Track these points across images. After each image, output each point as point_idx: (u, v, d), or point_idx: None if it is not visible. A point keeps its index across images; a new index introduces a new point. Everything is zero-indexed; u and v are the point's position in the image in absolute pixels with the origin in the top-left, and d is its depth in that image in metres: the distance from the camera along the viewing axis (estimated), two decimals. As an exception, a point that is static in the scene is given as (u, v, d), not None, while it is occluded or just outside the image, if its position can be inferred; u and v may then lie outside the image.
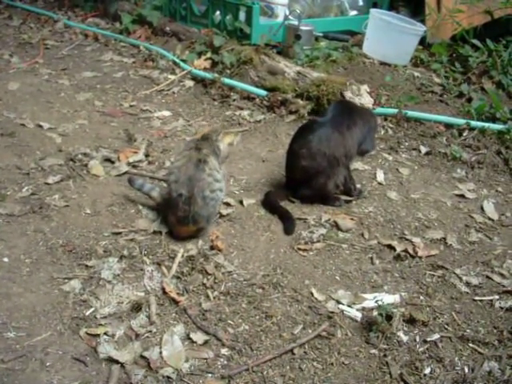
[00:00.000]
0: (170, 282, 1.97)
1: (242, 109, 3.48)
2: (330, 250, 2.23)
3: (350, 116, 2.55)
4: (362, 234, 2.33)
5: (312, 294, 1.97)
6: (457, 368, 1.71)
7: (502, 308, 1.96)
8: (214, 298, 1.92)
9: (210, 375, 1.63)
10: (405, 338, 1.80)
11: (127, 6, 5.13)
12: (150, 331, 1.76)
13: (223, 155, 2.34)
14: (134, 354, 1.67)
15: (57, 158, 2.74)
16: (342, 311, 1.90)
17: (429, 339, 1.80)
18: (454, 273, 2.13)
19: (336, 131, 2.45)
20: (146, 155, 2.84)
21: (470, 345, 1.79)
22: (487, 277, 2.12)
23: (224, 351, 1.72)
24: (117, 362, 1.64)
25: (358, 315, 1.88)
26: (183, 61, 4.05)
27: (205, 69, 3.91)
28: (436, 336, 1.82)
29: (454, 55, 4.01)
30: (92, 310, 1.83)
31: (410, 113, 3.28)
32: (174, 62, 4.08)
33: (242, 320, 1.84)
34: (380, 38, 3.94)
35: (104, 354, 1.67)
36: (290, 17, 4.15)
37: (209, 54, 4.00)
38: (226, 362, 1.68)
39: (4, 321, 1.76)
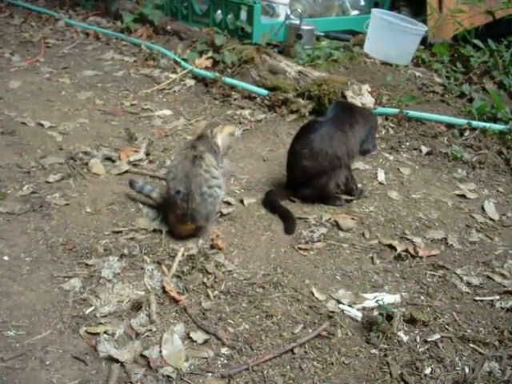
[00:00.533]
0: (170, 280, 1.96)
1: (243, 108, 3.48)
2: (330, 249, 2.22)
3: (352, 115, 2.55)
4: (363, 234, 2.32)
5: (312, 293, 1.97)
6: (457, 368, 1.70)
7: (502, 308, 1.96)
8: (215, 297, 1.92)
9: (209, 374, 1.63)
10: (405, 338, 1.80)
11: (128, 4, 5.14)
12: (150, 330, 1.76)
13: (224, 146, 2.33)
14: (134, 352, 1.67)
15: (57, 157, 2.74)
16: (343, 311, 1.90)
17: (429, 339, 1.80)
18: (455, 273, 2.12)
19: (338, 130, 2.44)
20: (147, 154, 2.84)
21: (471, 345, 1.79)
22: (488, 277, 2.11)
23: (224, 350, 1.71)
24: (117, 360, 1.64)
25: (359, 315, 1.88)
26: (184, 60, 4.05)
27: (206, 68, 3.91)
28: (436, 336, 1.81)
29: (456, 55, 4.01)
30: (92, 308, 1.83)
31: (411, 113, 3.28)
32: (175, 61, 4.08)
33: (243, 319, 1.84)
34: (381, 38, 3.93)
35: (104, 352, 1.66)
36: (291, 16, 4.14)
37: (210, 53, 3.99)
38: (226, 362, 1.68)
39: (4, 319, 1.76)
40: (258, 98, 3.54)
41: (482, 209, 2.58)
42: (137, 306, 1.84)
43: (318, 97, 3.33)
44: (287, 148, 2.58)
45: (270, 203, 2.47)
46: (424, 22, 4.17)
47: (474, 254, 2.26)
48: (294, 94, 3.44)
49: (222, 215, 2.36)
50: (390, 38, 3.87)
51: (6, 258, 2.04)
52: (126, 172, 2.66)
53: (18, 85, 3.66)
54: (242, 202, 2.48)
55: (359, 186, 2.63)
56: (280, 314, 1.86)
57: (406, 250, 2.22)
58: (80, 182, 2.55)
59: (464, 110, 3.42)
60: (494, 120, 3.24)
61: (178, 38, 4.55)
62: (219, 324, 1.81)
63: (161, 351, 1.68)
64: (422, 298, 1.99)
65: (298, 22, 4.01)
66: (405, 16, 4.23)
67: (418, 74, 3.81)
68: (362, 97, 3.33)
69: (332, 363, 1.70)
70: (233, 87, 3.65)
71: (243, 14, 4.19)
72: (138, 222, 2.29)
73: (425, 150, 3.07)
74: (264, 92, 3.52)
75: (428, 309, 1.93)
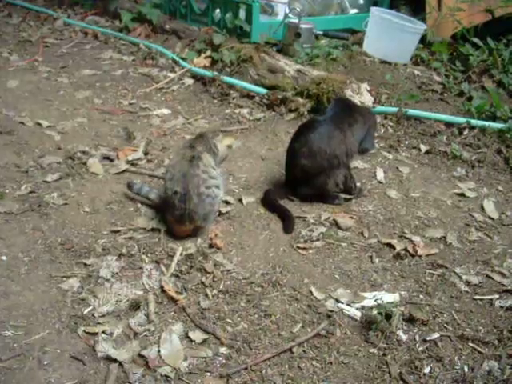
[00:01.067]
0: (168, 280, 1.96)
1: (241, 107, 3.47)
2: (329, 248, 2.22)
3: (351, 114, 2.55)
4: (362, 233, 2.32)
5: (311, 292, 1.96)
6: (456, 367, 1.70)
7: (501, 307, 1.95)
8: (213, 296, 1.92)
9: (208, 374, 1.63)
10: (404, 337, 1.79)
11: (127, 3, 5.13)
12: (149, 330, 1.76)
13: (221, 156, 2.33)
14: (133, 352, 1.67)
15: (56, 156, 2.73)
16: (342, 310, 1.89)
17: (428, 338, 1.79)
18: (454, 272, 2.12)
19: (337, 129, 2.44)
20: (145, 153, 2.83)
21: (470, 344, 1.78)
22: (487, 276, 2.11)
23: (223, 350, 1.71)
24: (115, 360, 1.63)
25: (358, 314, 1.88)
26: (183, 59, 4.05)
27: (204, 67, 3.90)
28: (436, 335, 1.81)
29: (455, 54, 4.00)
30: (90, 308, 1.83)
31: (411, 111, 3.27)
32: (174, 60, 4.07)
33: (241, 319, 1.83)
34: (380, 37, 3.93)
35: (102, 352, 1.66)
36: (290, 15, 4.14)
37: (208, 52, 3.99)
38: (224, 361, 1.67)
39: (2, 319, 1.75)
40: (257, 97, 3.53)
41: (482, 207, 2.57)
42: (135, 306, 1.83)
43: (317, 95, 3.33)
44: (286, 147, 2.58)
45: (268, 202, 2.46)
46: (423, 20, 4.16)
47: (474, 252, 2.25)
48: (292, 92, 3.44)
49: (221, 214, 2.35)
50: (389, 37, 3.87)
51: (4, 257, 2.03)
52: (125, 171, 2.65)
53: (16, 84, 3.65)
54: (240, 201, 2.48)
55: (358, 184, 2.62)
56: (279, 314, 1.86)
57: (405, 249, 2.22)
58: (78, 182, 2.55)
59: (463, 108, 3.42)
60: (493, 118, 3.24)
61: (176, 36, 4.55)
62: (218, 323, 1.80)
63: (159, 351, 1.68)
64: (421, 296, 1.99)
65: (296, 20, 4.01)
66: (404, 14, 4.22)
67: (417, 72, 3.81)
68: (360, 95, 3.33)
69: (331, 362, 1.69)
70: (231, 86, 3.65)
71: (242, 13, 4.19)
72: (137, 221, 2.28)
73: (424, 148, 3.06)
74: (263, 91, 3.51)
75: (427, 308, 1.93)
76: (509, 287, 2.04)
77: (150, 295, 1.89)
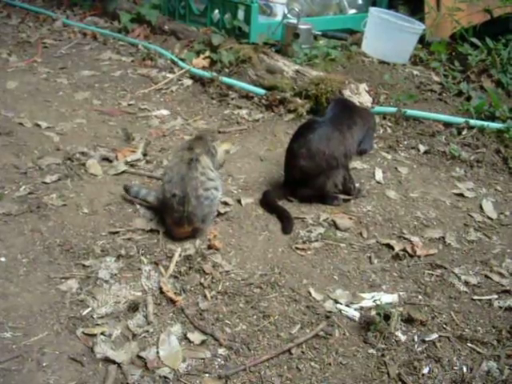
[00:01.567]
0: (167, 281, 1.96)
1: (240, 108, 3.47)
2: (328, 249, 2.22)
3: (351, 115, 2.55)
4: (361, 233, 2.32)
5: (310, 293, 1.96)
6: (455, 368, 1.70)
7: (500, 307, 1.95)
8: (212, 297, 1.92)
9: (207, 375, 1.63)
10: (403, 338, 1.79)
11: (126, 4, 5.13)
12: (147, 331, 1.76)
13: (219, 160, 2.34)
14: (131, 353, 1.67)
15: (54, 157, 2.73)
16: (340, 311, 1.89)
17: (427, 339, 1.79)
18: (453, 272, 2.12)
19: (336, 130, 2.44)
20: (144, 154, 2.83)
21: (469, 344, 1.79)
22: (486, 276, 2.11)
23: (221, 351, 1.71)
24: (113, 362, 1.64)
25: (356, 315, 1.88)
26: (182, 59, 4.05)
27: (203, 67, 3.90)
28: (434, 336, 1.81)
29: (454, 54, 4.00)
30: (89, 309, 1.83)
31: (409, 111, 3.27)
32: (173, 61, 4.07)
33: (240, 320, 1.83)
34: (379, 37, 3.93)
35: (101, 354, 1.66)
36: (288, 15, 4.14)
37: (207, 53, 3.99)
38: (223, 362, 1.67)
39: (1, 321, 1.75)
40: (256, 98, 3.53)
41: (480, 207, 2.57)
42: (134, 307, 1.83)
43: (316, 96, 3.33)
44: (285, 147, 2.58)
45: (267, 203, 2.46)
46: (422, 20, 4.16)
47: (472, 253, 2.25)
48: (291, 93, 3.44)
49: (220, 215, 2.35)
50: (388, 37, 3.87)
51: (2, 259, 2.03)
52: (124, 172, 2.65)
53: (15, 85, 3.65)
54: (239, 201, 2.48)
55: (357, 185, 2.62)
56: (277, 315, 1.86)
57: (404, 250, 2.22)
58: (77, 183, 2.55)
59: (462, 108, 3.41)
60: (492, 118, 3.24)
61: (175, 37, 4.54)
62: (216, 324, 1.80)
63: (158, 352, 1.68)
64: (420, 297, 1.99)
65: (295, 21, 4.00)
66: (402, 14, 4.22)
67: (415, 72, 3.81)
68: (359, 96, 3.33)
69: (329, 363, 1.69)
70: (230, 87, 3.65)
71: (241, 14, 4.18)
72: (135, 222, 2.28)
73: (423, 148, 3.06)
74: (261, 91, 3.51)
75: (426, 308, 1.93)
76: (508, 287, 2.04)
77: (148, 296, 1.89)
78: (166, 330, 1.76)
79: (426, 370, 1.68)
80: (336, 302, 1.93)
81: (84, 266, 2.02)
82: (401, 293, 2.00)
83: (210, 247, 2.15)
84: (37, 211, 2.31)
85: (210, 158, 2.24)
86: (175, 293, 1.91)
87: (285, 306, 1.90)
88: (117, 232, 2.21)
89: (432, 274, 2.11)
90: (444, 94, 3.60)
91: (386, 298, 1.95)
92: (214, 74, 3.73)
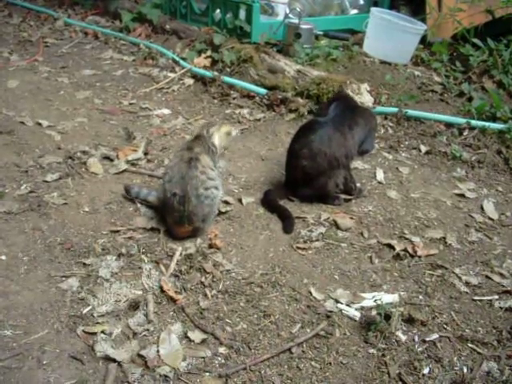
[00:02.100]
0: (168, 280, 1.96)
1: (241, 107, 3.47)
2: (329, 248, 2.22)
3: (352, 116, 2.54)
4: (362, 233, 2.32)
5: (311, 293, 1.96)
6: (455, 368, 1.70)
7: (501, 308, 1.95)
8: (212, 296, 1.91)
9: (207, 374, 1.62)
10: (403, 338, 1.79)
11: (127, 3, 5.13)
12: (148, 330, 1.76)
13: (221, 145, 2.33)
14: (132, 352, 1.67)
15: (55, 156, 2.73)
16: (341, 310, 1.89)
17: (428, 339, 1.79)
18: (454, 272, 2.12)
19: (338, 131, 2.44)
20: (145, 153, 2.83)
21: (469, 345, 1.78)
22: (487, 276, 2.11)
23: (222, 350, 1.71)
24: (114, 360, 1.63)
25: (357, 314, 1.87)
26: (183, 59, 4.05)
27: (205, 67, 3.90)
28: (435, 336, 1.81)
29: (455, 54, 4.00)
30: (89, 308, 1.83)
31: (410, 112, 3.27)
32: (174, 60, 4.07)
33: (240, 319, 1.83)
34: (380, 37, 3.93)
35: (101, 352, 1.66)
36: (290, 15, 4.13)
37: (209, 53, 3.99)
38: (223, 361, 1.67)
39: (1, 319, 1.75)
40: (257, 97, 3.54)
41: (481, 208, 2.57)
42: (134, 306, 1.83)
43: (317, 96, 3.33)
44: (286, 147, 2.58)
45: (268, 202, 2.46)
46: (423, 20, 4.16)
47: (473, 253, 2.25)
48: (292, 93, 3.44)
49: (221, 214, 2.35)
50: (389, 37, 3.87)
51: (3, 257, 2.03)
52: (125, 171, 2.66)
53: (17, 84, 3.65)
54: (240, 201, 2.48)
55: (358, 185, 2.62)
56: (278, 314, 1.86)
57: (405, 250, 2.22)
58: (78, 182, 2.55)
59: (463, 109, 3.42)
60: (493, 119, 3.24)
61: (176, 37, 4.55)
62: (217, 323, 1.80)
63: (158, 351, 1.68)
64: (421, 297, 1.99)
65: (296, 21, 4.00)
66: (404, 15, 4.22)
67: (417, 73, 3.81)
68: (360, 96, 3.33)
69: (330, 363, 1.69)
70: (232, 86, 3.65)
71: (242, 13, 4.18)
72: (136, 221, 2.28)
73: (424, 149, 3.06)
74: (263, 91, 3.51)
75: (426, 308, 1.93)
76: (508, 288, 2.04)
77: (149, 295, 1.89)
78: (167, 328, 1.76)
79: (426, 370, 1.68)
80: (337, 301, 1.93)
81: (85, 264, 2.02)
82: (401, 293, 2.00)
83: (210, 246, 2.15)
84: (38, 210, 2.31)
85: (209, 156, 2.24)
86: (176, 291, 1.91)
87: (285, 306, 1.90)
88: (117, 231, 2.21)
89: (433, 275, 2.10)
90: (445, 95, 3.60)
91: (387, 297, 1.94)
92: (216, 73, 3.73)
